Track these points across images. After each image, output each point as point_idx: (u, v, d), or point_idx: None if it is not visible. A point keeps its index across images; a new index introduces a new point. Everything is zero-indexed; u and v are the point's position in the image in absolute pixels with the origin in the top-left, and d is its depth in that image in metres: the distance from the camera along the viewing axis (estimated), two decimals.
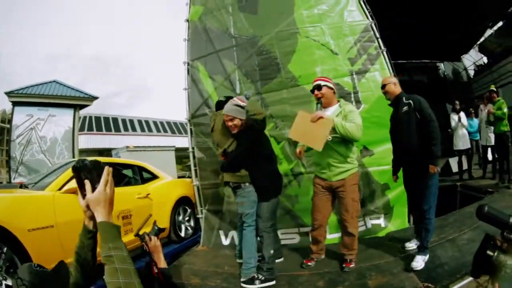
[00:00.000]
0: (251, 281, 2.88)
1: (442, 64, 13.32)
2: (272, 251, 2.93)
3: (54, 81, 12.32)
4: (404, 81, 3.18)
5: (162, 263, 1.95)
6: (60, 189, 3.10)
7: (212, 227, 4.43)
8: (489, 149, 6.36)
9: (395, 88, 3.12)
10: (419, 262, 2.76)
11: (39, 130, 11.46)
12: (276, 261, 3.34)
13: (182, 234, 4.68)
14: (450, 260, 2.79)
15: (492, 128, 5.70)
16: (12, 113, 11.56)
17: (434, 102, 2.98)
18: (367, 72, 4.20)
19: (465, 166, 6.69)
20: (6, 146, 12.11)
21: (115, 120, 23.07)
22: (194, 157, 4.70)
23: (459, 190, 5.95)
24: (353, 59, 4.24)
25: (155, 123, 25.30)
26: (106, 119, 22.58)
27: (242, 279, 2.97)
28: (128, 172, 4.57)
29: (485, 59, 12.87)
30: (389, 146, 3.80)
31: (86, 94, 12.60)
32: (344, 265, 3.00)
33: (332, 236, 3.81)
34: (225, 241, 4.30)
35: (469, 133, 6.70)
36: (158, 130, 24.86)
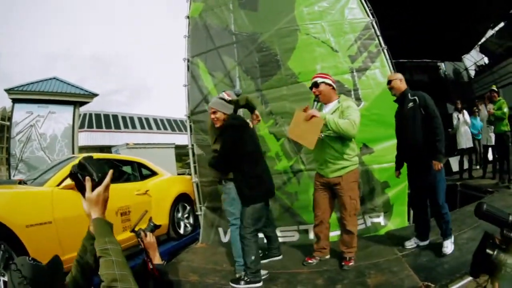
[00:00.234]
0: (237, 280, 2.88)
1: (443, 64, 13.29)
2: (253, 257, 2.79)
3: (54, 78, 12.25)
4: (404, 80, 3.17)
5: (157, 260, 1.93)
6: (58, 185, 3.08)
7: (211, 224, 4.42)
8: (490, 149, 6.35)
9: (401, 84, 3.12)
10: (449, 247, 2.86)
11: (39, 127, 11.40)
12: (275, 259, 3.36)
13: (181, 231, 4.65)
14: (449, 259, 2.78)
15: (493, 127, 5.69)
16: (12, 110, 11.52)
17: (434, 102, 2.97)
18: (367, 70, 4.19)
19: (465, 166, 6.68)
20: (6, 143, 12.06)
21: (115, 117, 23.02)
22: (193, 154, 4.69)
23: (459, 190, 5.94)
24: (353, 57, 4.23)
25: (155, 120, 25.24)
26: (106, 116, 22.53)
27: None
28: (127, 169, 4.55)
29: (486, 60, 12.84)
30: (389, 144, 3.80)
31: (86, 91, 12.53)
32: (343, 263, 2.98)
33: (332, 234, 3.80)
34: (224, 239, 4.29)
35: (472, 133, 6.70)
36: (158, 128, 24.80)
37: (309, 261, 3.16)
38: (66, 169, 3.22)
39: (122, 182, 4.16)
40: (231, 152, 2.82)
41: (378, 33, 4.28)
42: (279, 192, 4.10)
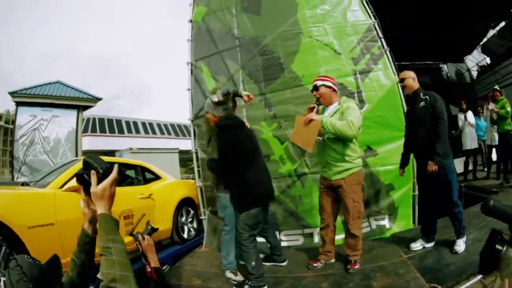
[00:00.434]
0: (240, 285, 2.88)
1: (445, 66, 13.25)
2: (253, 263, 2.76)
3: (58, 82, 12.35)
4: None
5: (155, 263, 1.94)
6: (61, 187, 3.08)
7: (215, 228, 4.39)
8: (494, 149, 6.32)
9: (414, 83, 3.13)
10: (461, 246, 2.91)
11: (43, 131, 11.48)
12: (280, 264, 3.33)
13: (185, 235, 4.63)
14: (456, 260, 2.78)
15: (496, 127, 5.67)
16: (15, 113, 11.61)
17: None
18: (370, 72, 4.19)
19: (470, 167, 6.64)
20: (9, 146, 12.16)
21: (118, 122, 23.13)
22: (197, 158, 4.68)
23: (463, 191, 5.90)
24: (356, 59, 4.23)
25: (158, 125, 25.33)
26: (110, 121, 22.65)
27: None
28: (130, 173, 4.56)
29: (488, 60, 12.81)
30: (393, 145, 3.79)
31: (90, 95, 12.62)
32: (348, 267, 2.97)
33: (337, 237, 3.77)
34: None
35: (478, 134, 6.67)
36: (162, 133, 24.90)
37: (314, 264, 3.14)
38: (69, 171, 3.23)
39: (125, 186, 4.15)
40: (228, 152, 2.80)
41: (381, 35, 4.29)
42: (283, 195, 4.09)
